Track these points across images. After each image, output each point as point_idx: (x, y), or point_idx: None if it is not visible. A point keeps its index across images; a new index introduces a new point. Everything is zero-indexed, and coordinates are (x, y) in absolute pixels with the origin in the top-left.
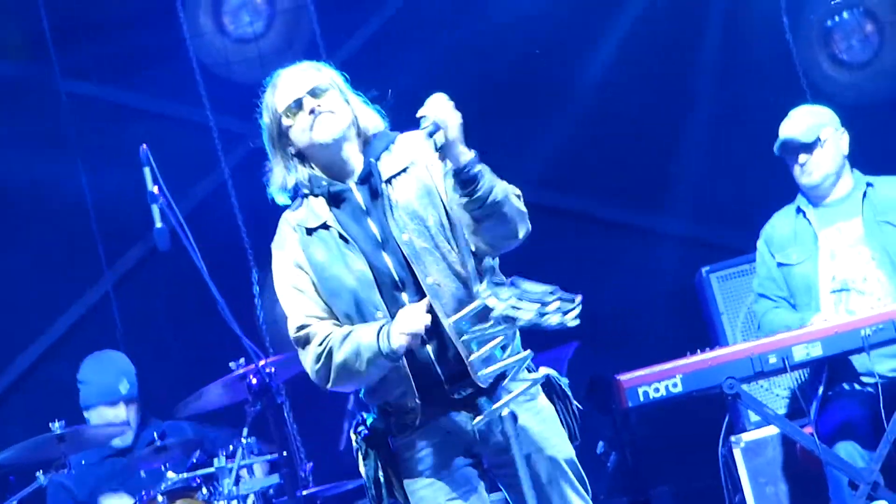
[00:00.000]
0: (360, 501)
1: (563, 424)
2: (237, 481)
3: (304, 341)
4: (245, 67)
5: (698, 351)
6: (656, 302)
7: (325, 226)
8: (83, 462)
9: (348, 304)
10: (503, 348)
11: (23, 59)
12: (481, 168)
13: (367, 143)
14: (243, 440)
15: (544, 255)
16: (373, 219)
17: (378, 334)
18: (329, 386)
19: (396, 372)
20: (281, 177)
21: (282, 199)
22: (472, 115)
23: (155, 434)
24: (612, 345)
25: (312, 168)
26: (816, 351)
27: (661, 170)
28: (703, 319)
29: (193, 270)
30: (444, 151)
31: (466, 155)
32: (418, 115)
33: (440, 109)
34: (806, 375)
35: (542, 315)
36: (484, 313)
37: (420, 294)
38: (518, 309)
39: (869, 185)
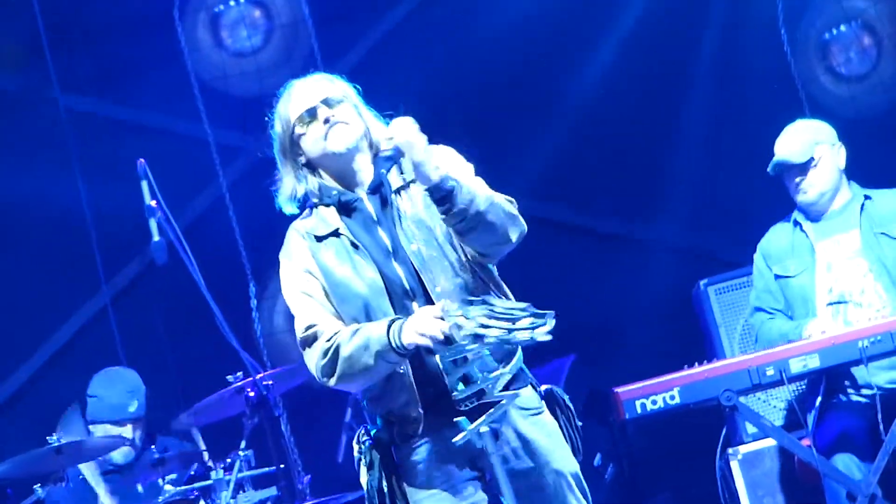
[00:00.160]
0: None
1: (566, 439)
2: (235, 494)
3: (312, 339)
4: (243, 81)
5: (696, 363)
6: (654, 314)
7: (335, 233)
8: (81, 477)
9: (358, 310)
10: (481, 366)
11: (21, 73)
12: (455, 183)
13: (376, 154)
14: (241, 453)
15: (542, 267)
16: (383, 228)
17: (389, 328)
18: (333, 382)
19: (401, 380)
20: (291, 186)
21: (290, 209)
22: (466, 129)
23: (153, 447)
24: (609, 357)
25: (322, 178)
26: (814, 363)
27: (659, 181)
28: (700, 332)
29: (191, 284)
30: (415, 172)
31: (436, 174)
32: (383, 137)
33: (405, 132)
34: (803, 387)
35: (511, 332)
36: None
37: (430, 303)
38: (487, 327)
39: (867, 197)
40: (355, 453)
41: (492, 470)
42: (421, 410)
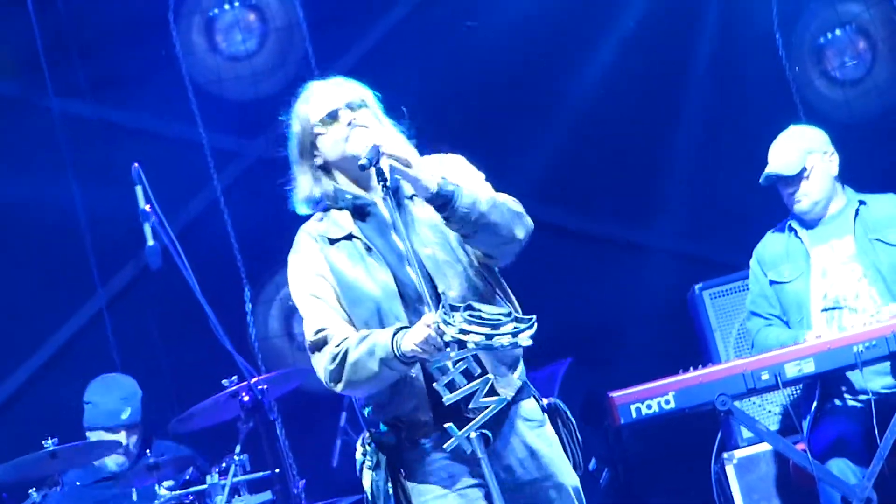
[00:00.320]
0: None
1: (569, 453)
2: (230, 498)
3: (322, 343)
4: (237, 85)
5: (691, 368)
6: (649, 319)
7: (349, 237)
8: (77, 483)
9: (370, 313)
10: (465, 373)
11: (16, 78)
12: (454, 188)
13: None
14: (235, 457)
15: (537, 270)
16: (397, 233)
17: (394, 336)
18: (341, 387)
19: (411, 386)
20: (308, 187)
21: (304, 210)
22: (463, 133)
23: (148, 451)
24: (604, 362)
25: (336, 181)
26: (809, 367)
27: (654, 186)
28: (695, 336)
29: (186, 288)
30: (413, 187)
31: (432, 182)
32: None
33: (395, 152)
34: (799, 392)
35: (491, 337)
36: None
37: None
38: (467, 332)
39: (862, 202)
40: (358, 455)
41: (483, 478)
42: (430, 415)
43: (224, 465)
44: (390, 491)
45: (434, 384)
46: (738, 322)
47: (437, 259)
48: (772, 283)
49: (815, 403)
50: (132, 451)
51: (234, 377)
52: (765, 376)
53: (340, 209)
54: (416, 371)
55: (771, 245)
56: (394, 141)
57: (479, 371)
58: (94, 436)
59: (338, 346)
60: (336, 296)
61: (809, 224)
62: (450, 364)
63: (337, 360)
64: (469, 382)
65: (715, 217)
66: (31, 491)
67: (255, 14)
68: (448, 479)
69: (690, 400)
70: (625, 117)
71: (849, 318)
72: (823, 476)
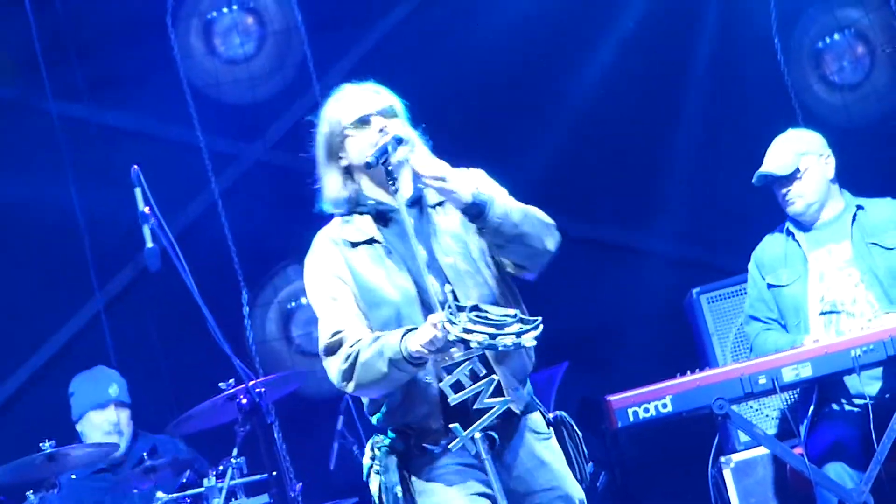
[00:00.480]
0: None
1: (575, 467)
2: (227, 501)
3: (337, 345)
4: (235, 88)
5: (688, 372)
6: (646, 322)
7: (371, 241)
8: (73, 476)
9: (389, 317)
10: (471, 374)
11: (14, 80)
12: (487, 198)
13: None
14: (233, 460)
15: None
16: (419, 240)
17: (403, 337)
18: (352, 387)
19: (425, 392)
20: (337, 188)
21: (331, 210)
22: (461, 138)
23: (144, 455)
24: (602, 365)
25: (359, 185)
26: (806, 372)
27: (652, 190)
28: (693, 340)
29: (184, 291)
30: (448, 199)
31: (467, 193)
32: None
33: (433, 170)
34: (796, 396)
35: (495, 337)
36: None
37: None
38: (470, 332)
39: (860, 207)
40: (366, 460)
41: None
42: (442, 422)
43: (221, 467)
44: (399, 494)
45: (439, 384)
46: (736, 326)
47: (458, 268)
48: (770, 286)
49: (812, 407)
50: (125, 431)
51: (232, 380)
52: (762, 380)
53: (362, 214)
54: (430, 377)
55: (769, 248)
56: (425, 159)
57: (484, 372)
58: (84, 423)
59: (352, 346)
60: (355, 298)
61: (806, 227)
62: (451, 359)
63: (349, 360)
64: (475, 383)
65: (713, 221)
66: (29, 493)
67: (254, 17)
68: (456, 486)
69: (688, 404)
70: (622, 122)
71: (846, 322)
72: (821, 480)
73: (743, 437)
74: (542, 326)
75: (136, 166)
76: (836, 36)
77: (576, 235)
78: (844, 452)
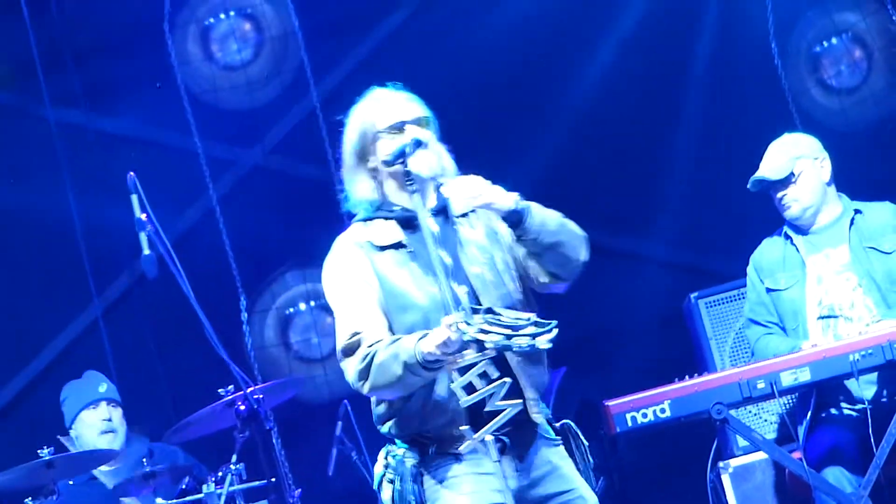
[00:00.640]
0: None
1: (581, 474)
2: None
3: (356, 345)
4: (233, 94)
5: (686, 376)
6: (645, 327)
7: (398, 245)
8: (70, 483)
9: (416, 321)
10: (482, 376)
11: (12, 87)
12: (527, 206)
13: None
14: (232, 466)
15: None
16: (445, 249)
17: (418, 340)
18: (367, 388)
19: (444, 401)
20: (368, 189)
21: (358, 212)
22: (458, 141)
23: (144, 461)
24: (600, 370)
25: (384, 189)
26: (805, 376)
27: (650, 195)
28: (691, 345)
29: (182, 297)
30: (493, 210)
31: (509, 200)
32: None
33: (475, 192)
34: (794, 400)
35: (510, 338)
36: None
37: None
38: (486, 332)
39: (857, 211)
40: (378, 469)
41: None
42: (463, 429)
43: (220, 474)
44: (412, 500)
45: (451, 385)
46: (734, 331)
47: (484, 278)
48: (768, 290)
49: (810, 412)
50: (119, 430)
51: (231, 386)
52: (761, 385)
53: (387, 219)
54: (456, 386)
55: (767, 252)
56: (457, 184)
57: (497, 374)
58: (78, 426)
59: (370, 346)
60: (379, 301)
61: (804, 231)
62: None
63: (366, 361)
64: (487, 385)
65: (711, 226)
66: (27, 500)
67: (251, 23)
68: (470, 493)
69: (686, 408)
70: (620, 126)
71: (844, 326)
72: (819, 485)
73: (741, 442)
74: (556, 330)
75: (132, 173)
76: (834, 40)
77: None
78: (843, 457)
